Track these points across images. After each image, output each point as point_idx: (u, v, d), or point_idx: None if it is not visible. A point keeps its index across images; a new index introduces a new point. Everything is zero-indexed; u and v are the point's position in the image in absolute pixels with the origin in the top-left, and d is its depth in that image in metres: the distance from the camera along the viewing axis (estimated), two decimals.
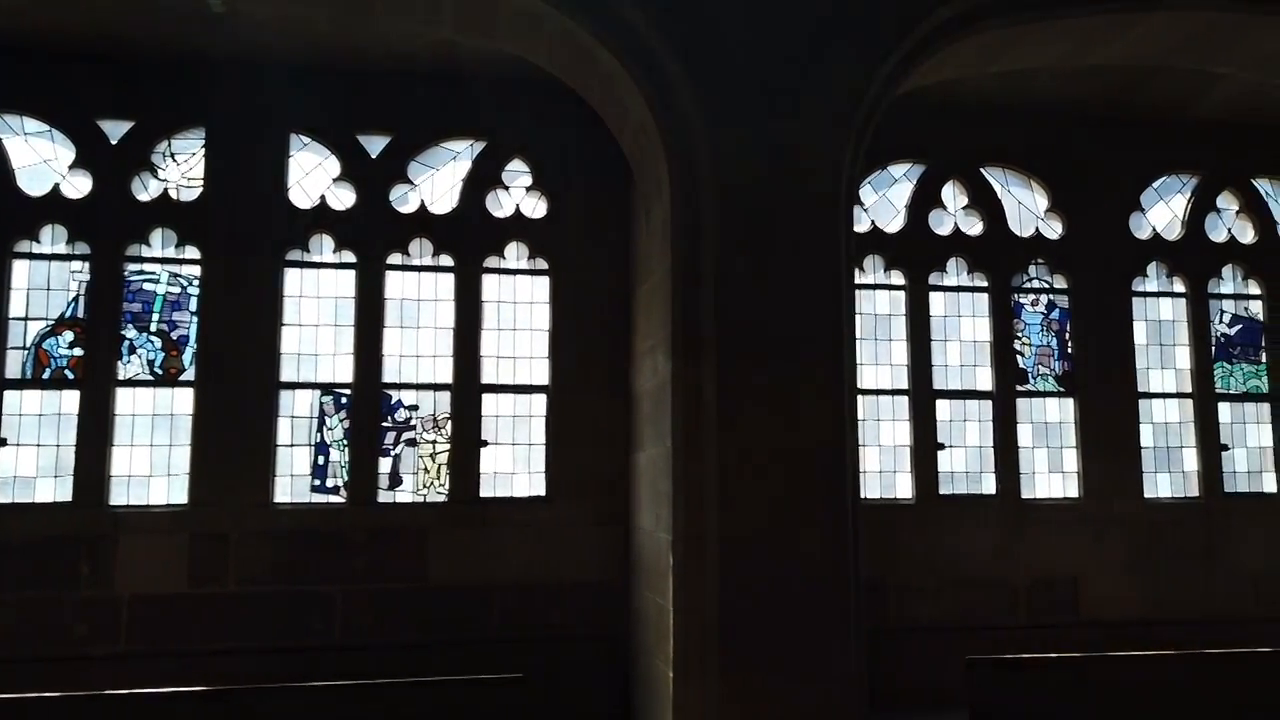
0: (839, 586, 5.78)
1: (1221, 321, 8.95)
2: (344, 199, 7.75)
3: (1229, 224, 9.07)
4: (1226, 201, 9.09)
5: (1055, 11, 6.50)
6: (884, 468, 8.32)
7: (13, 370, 7.21)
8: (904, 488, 8.33)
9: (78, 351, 7.28)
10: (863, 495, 8.15)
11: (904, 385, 8.40)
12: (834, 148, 6.06)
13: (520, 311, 7.90)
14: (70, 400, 7.22)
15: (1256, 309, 9.01)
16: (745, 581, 5.66)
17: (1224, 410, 8.80)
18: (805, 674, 5.67)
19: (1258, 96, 8.46)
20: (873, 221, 8.55)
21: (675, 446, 5.87)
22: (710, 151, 5.93)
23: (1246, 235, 9.09)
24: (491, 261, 7.90)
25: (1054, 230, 8.78)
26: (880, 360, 8.42)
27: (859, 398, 8.18)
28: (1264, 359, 8.93)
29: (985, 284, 8.62)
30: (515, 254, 7.97)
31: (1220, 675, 6.85)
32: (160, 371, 7.39)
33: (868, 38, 6.14)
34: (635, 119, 6.47)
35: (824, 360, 5.87)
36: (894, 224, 8.58)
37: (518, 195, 7.99)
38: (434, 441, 7.64)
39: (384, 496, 7.54)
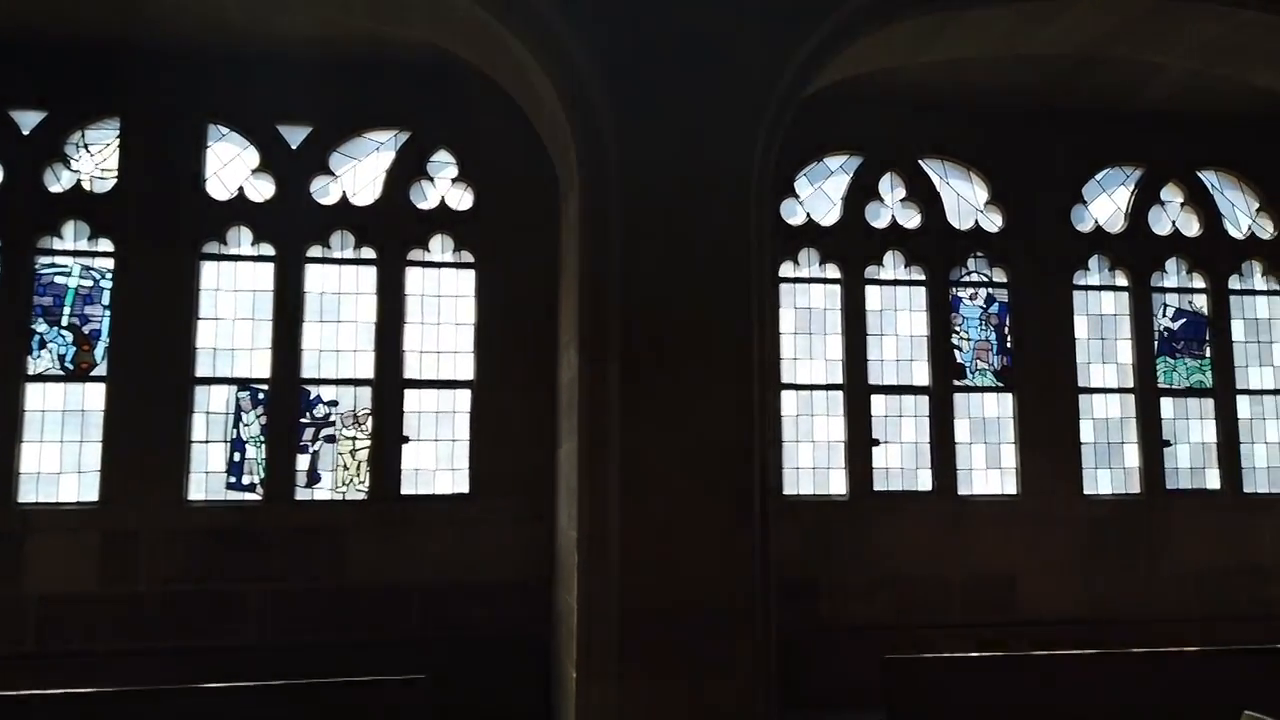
0: (746, 585, 5.65)
1: (1165, 316, 8.83)
2: (263, 190, 7.60)
3: (1173, 217, 8.94)
4: (1171, 194, 8.97)
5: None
6: (818, 464, 8.19)
7: None
8: (838, 484, 8.19)
9: None
10: (796, 492, 8.12)
11: (839, 380, 8.27)
12: (746, 138, 5.93)
13: (445, 305, 7.76)
14: None
15: (1201, 303, 8.90)
16: (648, 581, 5.52)
17: (1166, 406, 8.68)
18: (710, 675, 5.53)
19: (1202, 87, 8.32)
20: (808, 214, 8.41)
21: (581, 443, 5.74)
22: (618, 142, 5.80)
23: (1191, 228, 8.97)
24: (416, 254, 7.75)
25: (994, 223, 8.65)
26: (815, 355, 8.29)
27: (793, 393, 8.16)
28: (1208, 353, 8.81)
29: (923, 278, 8.49)
30: (440, 247, 7.82)
31: (1146, 674, 6.75)
32: (71, 366, 7.23)
33: (781, 24, 6.01)
34: (548, 109, 6.34)
35: (732, 355, 5.73)
36: (830, 217, 8.44)
37: (443, 187, 7.85)
38: (354, 438, 7.50)
39: (302, 494, 7.39)
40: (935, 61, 7.86)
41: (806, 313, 8.33)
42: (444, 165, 7.87)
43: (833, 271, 8.40)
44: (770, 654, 5.77)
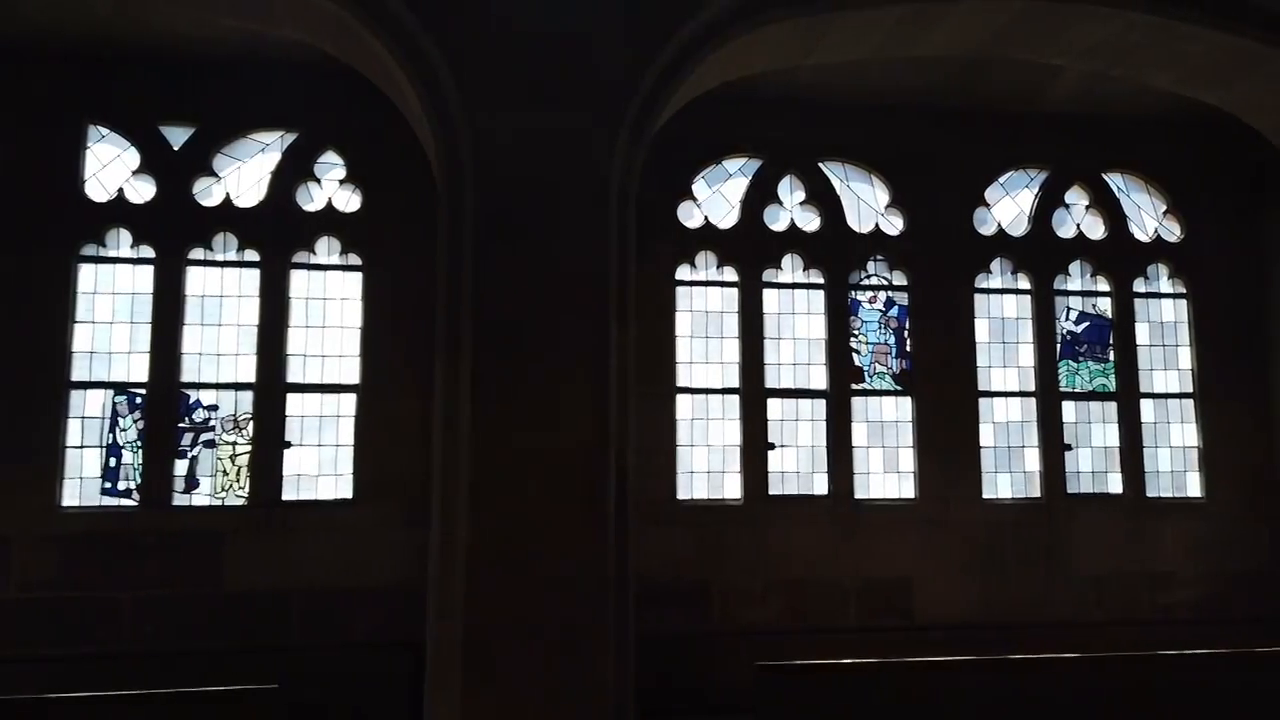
0: (598, 593, 5.57)
1: (1068, 319, 8.79)
2: (144, 192, 7.51)
3: (1078, 219, 8.91)
4: (1076, 197, 8.93)
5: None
6: (712, 468, 8.13)
7: None
8: (733, 488, 8.13)
9: None
10: (690, 496, 8.05)
11: (735, 384, 8.20)
12: (604, 140, 5.86)
13: (330, 308, 7.68)
14: None
15: (1105, 306, 8.86)
16: (496, 589, 5.45)
17: (1068, 409, 8.64)
18: (560, 686, 5.45)
19: (1105, 89, 8.28)
20: (706, 217, 8.35)
21: (434, 446, 5.68)
22: (472, 142, 5.74)
23: (1096, 231, 8.93)
24: (301, 257, 7.67)
25: (894, 226, 8.60)
26: (711, 358, 8.23)
27: (689, 397, 8.09)
28: (1111, 357, 8.78)
29: (821, 281, 8.44)
30: (326, 249, 7.74)
31: (1027, 682, 6.70)
32: None
33: (642, 25, 5.95)
34: (413, 108, 6.26)
35: (587, 359, 5.67)
36: (728, 219, 8.38)
37: (330, 188, 7.77)
38: (234, 443, 7.41)
39: (179, 500, 7.31)
40: (832, 64, 7.83)
41: (703, 316, 8.27)
42: (332, 166, 7.80)
43: (730, 274, 8.34)
44: (627, 665, 5.71)
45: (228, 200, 7.59)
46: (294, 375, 7.53)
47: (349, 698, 6.91)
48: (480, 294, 5.61)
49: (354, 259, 7.72)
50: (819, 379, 8.34)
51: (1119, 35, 7.07)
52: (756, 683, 6.35)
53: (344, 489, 7.51)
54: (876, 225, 8.56)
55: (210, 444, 7.39)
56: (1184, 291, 8.96)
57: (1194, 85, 7.59)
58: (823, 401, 8.30)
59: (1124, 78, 7.68)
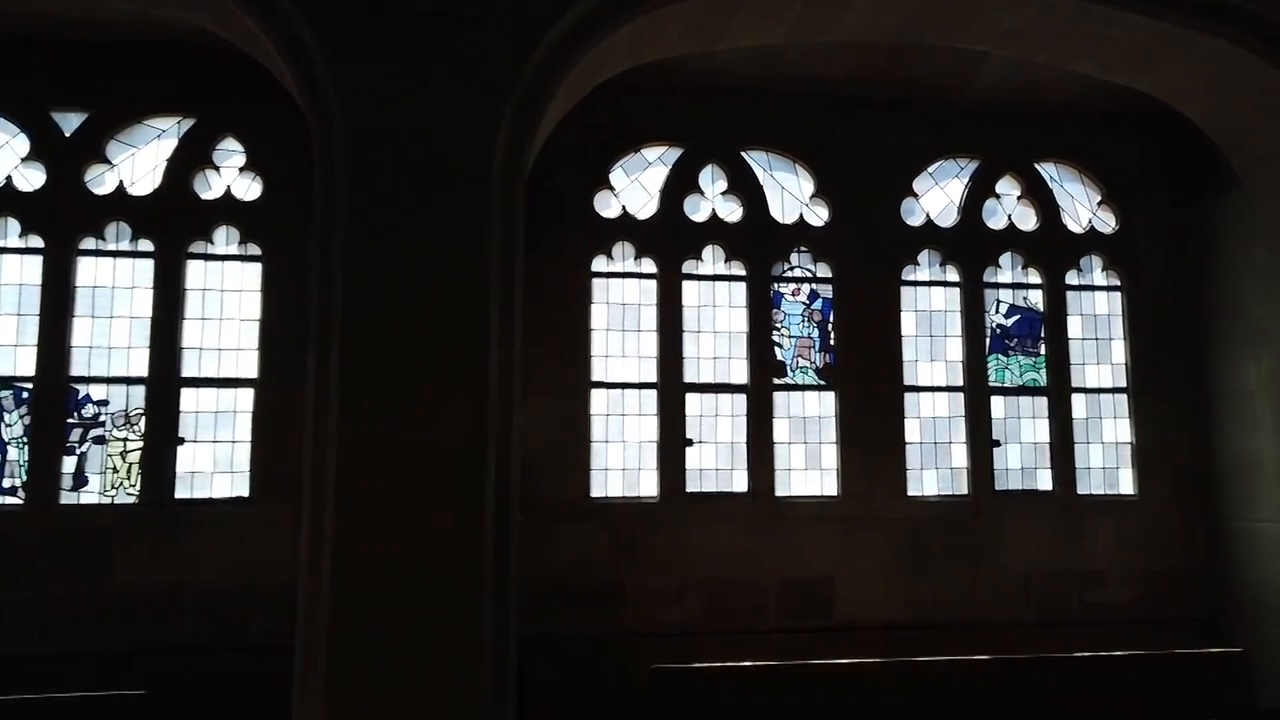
0: (472, 595, 5.34)
1: (998, 312, 8.59)
2: (33, 180, 7.25)
3: (1009, 210, 8.70)
4: (1007, 187, 8.72)
5: None
6: (628, 465, 7.91)
7: None
8: (649, 486, 7.91)
9: None
10: (605, 494, 7.84)
11: (652, 379, 7.98)
12: (485, 124, 5.62)
13: (229, 300, 7.44)
14: None
15: (1036, 299, 8.66)
16: (362, 590, 5.22)
17: (997, 404, 8.43)
18: (430, 690, 5.22)
19: (1034, 76, 8.07)
20: (624, 207, 8.12)
21: (305, 446, 5.45)
22: (344, 125, 5.50)
23: (1028, 222, 8.72)
24: (198, 246, 7.43)
25: (819, 217, 8.39)
26: (628, 352, 8.00)
27: (604, 392, 7.87)
28: (1043, 351, 8.58)
29: (743, 273, 8.22)
30: (225, 238, 7.50)
31: (930, 683, 6.54)
32: None
33: (528, 5, 5.72)
34: (294, 90, 6.02)
35: (464, 353, 5.43)
36: (646, 210, 8.15)
37: (229, 176, 7.53)
38: (125, 439, 7.16)
39: (67, 498, 7.06)
40: (750, 51, 7.62)
41: (620, 308, 8.04)
42: (231, 153, 7.55)
43: (648, 266, 8.11)
44: (505, 669, 5.47)
45: (121, 188, 7.34)
46: (189, 369, 7.29)
47: (224, 700, 6.66)
48: (349, 284, 5.38)
49: (253, 249, 7.48)
50: (740, 373, 8.12)
51: (1034, 19, 6.87)
52: (651, 685, 6.18)
53: (240, 487, 7.27)
54: (801, 216, 8.35)
55: (100, 440, 7.15)
56: (1118, 284, 8.76)
57: (1119, 71, 7.40)
58: (743, 396, 8.08)
59: (1049, 64, 7.48)
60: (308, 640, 5.28)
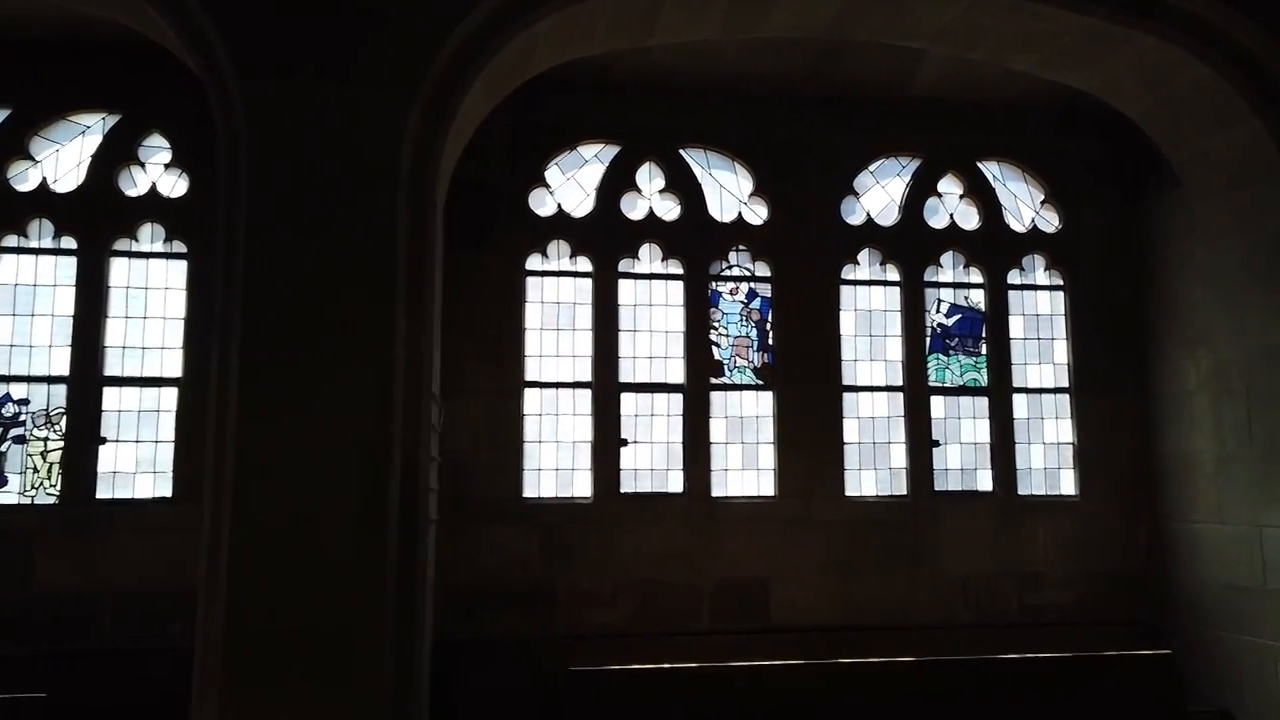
0: (374, 596, 5.25)
1: (939, 312, 8.53)
2: None
3: (951, 209, 8.64)
4: (950, 185, 8.66)
5: None
6: (561, 465, 7.83)
7: None
8: (583, 486, 7.84)
9: None
10: (537, 495, 7.76)
11: (587, 378, 7.91)
12: (392, 123, 5.54)
13: (154, 298, 7.35)
14: None
15: (978, 298, 8.60)
16: (260, 590, 5.14)
17: (937, 404, 8.37)
18: (329, 693, 5.13)
19: (975, 74, 8.01)
20: (560, 205, 8.05)
21: (208, 444, 5.36)
22: (246, 118, 5.43)
23: (970, 221, 8.67)
24: (122, 244, 7.34)
25: (758, 215, 8.32)
26: (562, 352, 7.93)
27: (538, 392, 7.80)
28: (984, 350, 8.52)
29: (681, 271, 8.15)
30: (150, 235, 7.41)
31: (847, 686, 6.48)
32: None
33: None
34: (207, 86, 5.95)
35: (367, 352, 5.35)
36: (583, 207, 8.08)
37: (154, 172, 7.44)
38: (46, 439, 7.07)
39: None
40: (687, 47, 7.58)
41: (555, 307, 7.97)
42: (157, 150, 7.46)
43: (584, 265, 8.04)
44: (412, 671, 5.39)
45: (44, 185, 7.25)
46: (112, 368, 7.20)
47: (132, 702, 6.57)
48: (250, 282, 5.31)
49: (179, 246, 7.39)
50: (676, 373, 8.06)
51: (966, 15, 6.83)
52: (566, 687, 6.12)
53: (163, 487, 7.18)
54: (739, 214, 8.28)
55: (20, 440, 7.05)
56: (1061, 283, 8.71)
57: (1056, 68, 7.36)
58: (679, 396, 8.01)
59: (987, 61, 7.43)
60: (206, 640, 5.20)
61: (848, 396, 8.23)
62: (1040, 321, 8.66)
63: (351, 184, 5.44)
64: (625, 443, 7.88)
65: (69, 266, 7.21)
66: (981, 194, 8.64)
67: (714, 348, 8.12)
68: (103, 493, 7.08)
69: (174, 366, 7.26)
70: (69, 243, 7.24)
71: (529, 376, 7.83)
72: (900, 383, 8.33)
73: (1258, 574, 7.19)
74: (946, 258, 8.56)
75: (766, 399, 8.13)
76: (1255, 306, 7.12)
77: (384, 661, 5.21)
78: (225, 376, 5.30)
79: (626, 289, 8.06)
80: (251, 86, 5.41)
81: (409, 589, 5.41)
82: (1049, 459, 8.50)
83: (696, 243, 8.15)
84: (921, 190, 8.56)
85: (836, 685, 6.15)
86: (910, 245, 8.47)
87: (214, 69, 5.49)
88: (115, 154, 7.36)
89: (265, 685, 5.06)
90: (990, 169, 8.73)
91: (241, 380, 5.22)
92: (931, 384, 8.37)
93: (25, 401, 7.08)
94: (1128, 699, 6.88)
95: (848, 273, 8.38)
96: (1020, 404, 8.48)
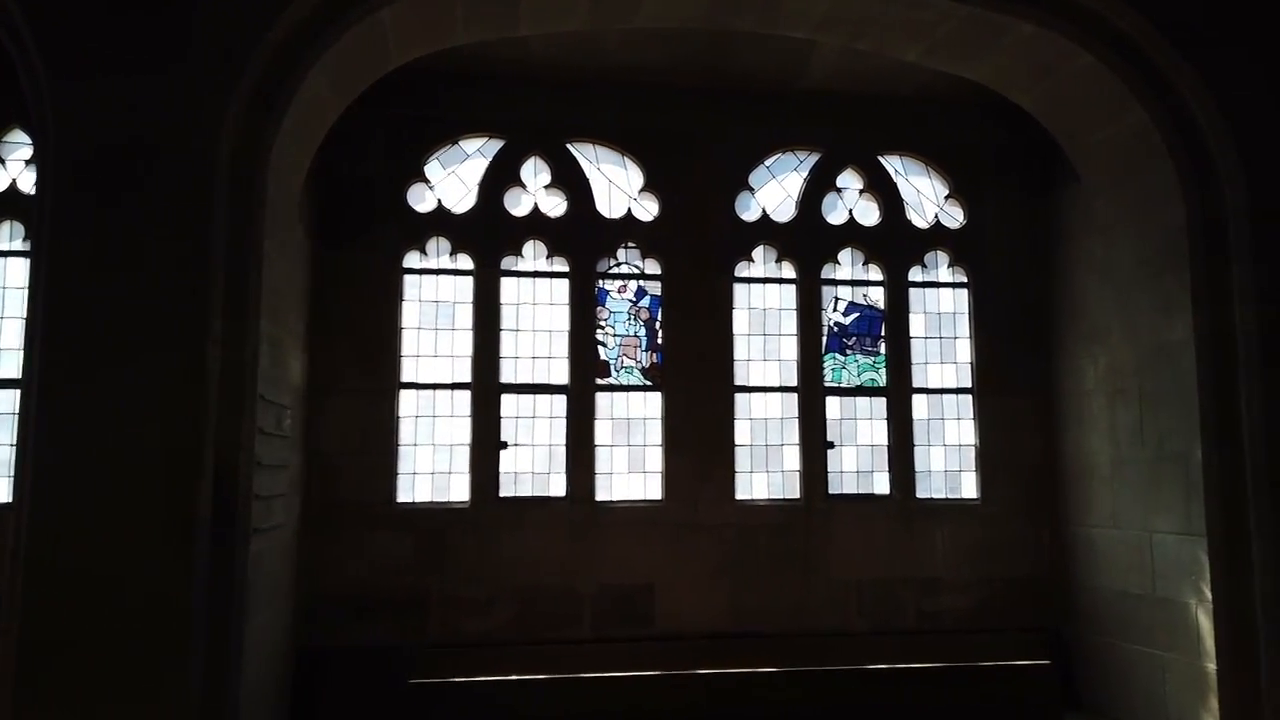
0: (181, 608, 5.02)
1: (836, 310, 8.30)
2: None
3: (850, 204, 8.41)
4: (849, 180, 8.43)
5: None
6: (438, 468, 7.61)
7: None
8: (460, 490, 7.62)
9: None
10: (411, 499, 7.55)
11: (466, 379, 7.69)
12: (210, 111, 5.33)
13: (11, 298, 7.11)
14: None
15: (877, 296, 8.37)
16: (55, 602, 4.92)
17: (833, 405, 8.15)
18: (131, 709, 4.92)
19: (868, 65, 7.74)
20: (439, 200, 7.82)
21: (16, 448, 5.15)
22: (54, 112, 5.21)
23: (870, 217, 8.43)
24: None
25: (649, 211, 8.10)
26: (441, 352, 7.71)
27: (414, 393, 7.59)
28: (883, 350, 8.29)
29: (566, 269, 7.92)
30: (9, 234, 7.18)
31: (705, 697, 6.28)
32: None
33: None
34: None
35: (179, 356, 5.14)
36: (464, 203, 7.86)
37: (15, 169, 7.21)
38: None
39: None
40: (566, 38, 7.37)
41: (434, 306, 7.75)
42: (18, 146, 7.24)
43: (465, 263, 7.81)
44: (227, 684, 5.17)
45: None
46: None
47: None
48: (55, 278, 5.10)
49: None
50: (560, 374, 7.83)
51: (845, 5, 6.64)
52: (409, 699, 5.90)
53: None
54: (629, 210, 8.06)
55: None
56: (964, 280, 8.47)
57: (945, 59, 7.15)
58: (563, 398, 7.79)
59: (875, 52, 7.22)
60: (4, 654, 4.98)
61: (740, 397, 8.01)
62: (942, 320, 8.43)
63: (164, 184, 5.24)
64: (505, 445, 7.66)
65: None
66: (883, 189, 8.41)
67: (600, 347, 7.90)
68: None
69: (12, 367, 6.99)
70: None
71: (405, 377, 7.61)
72: (795, 383, 8.10)
73: (1148, 581, 6.97)
74: (845, 255, 8.32)
75: (655, 400, 7.91)
76: (1146, 303, 6.91)
77: (189, 681, 4.98)
78: (29, 379, 5.10)
79: (509, 287, 7.84)
80: (57, 74, 5.22)
81: (223, 602, 5.19)
82: (949, 461, 8.28)
83: (583, 240, 7.93)
84: (820, 185, 8.32)
85: (686, 693, 5.95)
86: (807, 242, 8.23)
87: (26, 65, 5.28)
88: None
89: (58, 701, 4.84)
90: (893, 163, 8.49)
91: (42, 384, 5.02)
92: (828, 384, 8.14)
93: None
94: (1006, 710, 6.67)
95: (741, 270, 8.15)
96: (920, 404, 8.26)
